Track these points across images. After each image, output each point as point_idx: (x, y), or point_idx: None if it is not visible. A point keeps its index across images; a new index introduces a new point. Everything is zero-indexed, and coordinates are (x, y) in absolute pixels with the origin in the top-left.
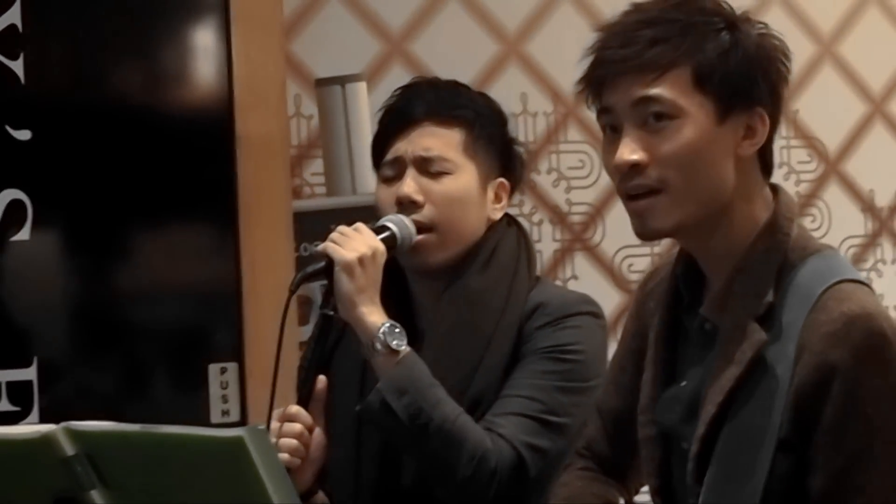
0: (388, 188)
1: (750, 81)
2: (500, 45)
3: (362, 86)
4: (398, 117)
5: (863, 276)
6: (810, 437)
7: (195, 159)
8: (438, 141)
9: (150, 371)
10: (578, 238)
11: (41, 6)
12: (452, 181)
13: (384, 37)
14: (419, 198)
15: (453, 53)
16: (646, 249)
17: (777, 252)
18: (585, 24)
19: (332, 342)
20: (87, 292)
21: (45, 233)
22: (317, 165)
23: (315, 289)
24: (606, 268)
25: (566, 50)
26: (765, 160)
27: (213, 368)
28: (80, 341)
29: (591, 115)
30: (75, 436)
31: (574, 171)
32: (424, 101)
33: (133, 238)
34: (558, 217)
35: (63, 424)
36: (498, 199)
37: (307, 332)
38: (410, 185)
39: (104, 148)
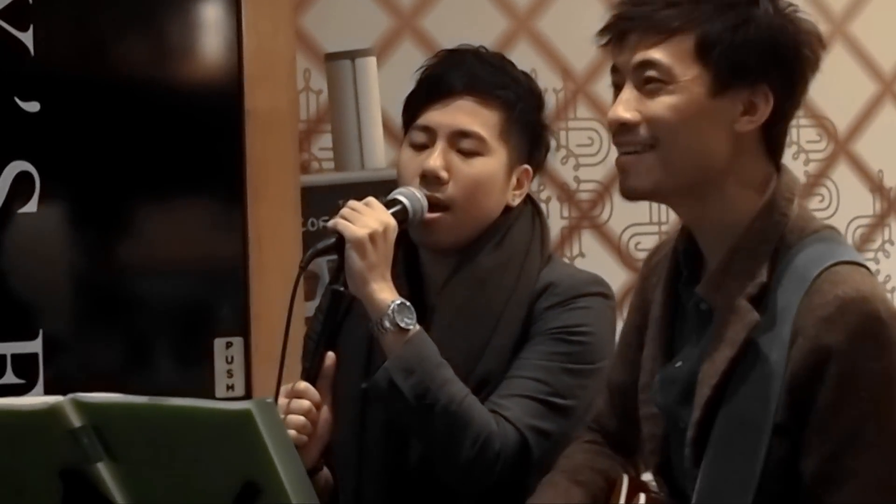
0: (415, 155)
1: (756, 59)
2: (511, 20)
3: (372, 60)
4: (437, 84)
5: (864, 257)
6: (805, 421)
7: (204, 133)
8: (475, 119)
9: (156, 345)
10: (586, 216)
11: None
12: (482, 164)
13: (395, 12)
14: (444, 175)
15: (463, 29)
16: (653, 228)
17: (774, 232)
18: (597, 1)
19: (340, 317)
20: (93, 266)
21: (52, 205)
22: (325, 140)
23: (322, 264)
24: (614, 246)
25: (576, 27)
26: (770, 141)
27: (219, 343)
28: (86, 315)
29: (600, 92)
30: (82, 407)
31: (583, 149)
32: (467, 72)
33: (140, 212)
34: (566, 194)
35: (70, 396)
36: (520, 185)
37: (314, 307)
38: (438, 160)
39: (113, 121)
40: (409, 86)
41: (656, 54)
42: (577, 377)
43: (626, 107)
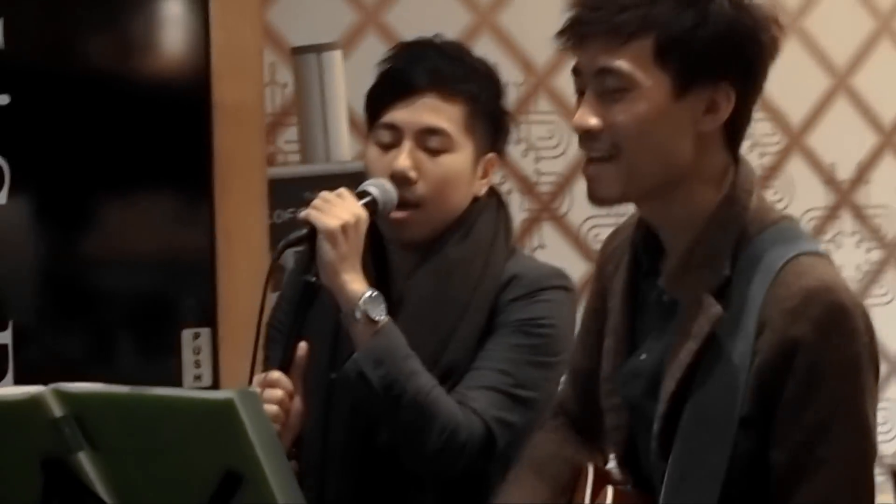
0: (382, 155)
1: (716, 58)
2: (473, 15)
3: (338, 54)
4: (400, 83)
5: (822, 246)
6: (772, 413)
7: (172, 126)
8: (441, 116)
9: (125, 335)
10: (546, 208)
11: None
12: (449, 161)
13: (359, 7)
14: (413, 175)
15: (427, 24)
16: (612, 220)
17: (734, 224)
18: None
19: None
20: (64, 257)
21: (22, 197)
22: (290, 133)
23: (286, 255)
24: (573, 237)
25: (537, 21)
26: (731, 134)
27: (187, 334)
28: (57, 305)
29: (561, 86)
30: (64, 397)
31: (543, 142)
32: (429, 68)
33: (109, 204)
34: (527, 187)
35: (52, 386)
36: (486, 174)
37: None
38: (407, 160)
39: (83, 114)
40: (373, 79)
41: (616, 62)
42: (541, 369)
43: (590, 113)
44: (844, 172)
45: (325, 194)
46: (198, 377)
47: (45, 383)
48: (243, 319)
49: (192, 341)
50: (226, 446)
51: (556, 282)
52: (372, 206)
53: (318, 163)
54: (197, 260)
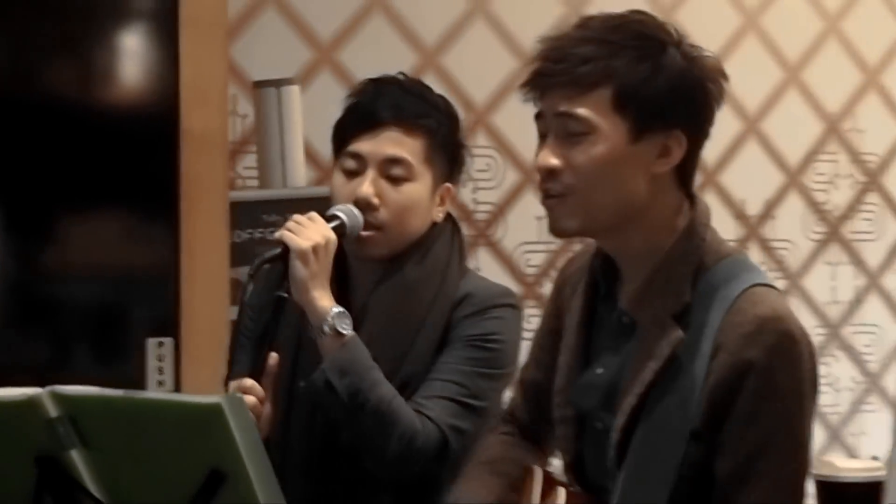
0: (346, 182)
1: (669, 106)
2: (419, 55)
3: (296, 89)
4: (366, 115)
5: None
6: (721, 427)
7: (143, 150)
8: (402, 147)
9: (93, 343)
10: (482, 234)
11: None
12: (410, 189)
13: (315, 45)
14: (376, 201)
15: (377, 63)
16: (542, 246)
17: (694, 255)
18: (496, 40)
19: (267, 318)
20: (36, 271)
21: None
22: (249, 160)
23: (244, 272)
24: (506, 261)
25: (477, 63)
26: (682, 175)
27: (151, 342)
28: (26, 316)
29: (498, 123)
30: (60, 399)
31: (481, 174)
32: (392, 104)
33: (81, 222)
34: (465, 214)
35: (49, 388)
36: (443, 202)
37: (237, 312)
38: (370, 188)
39: (60, 138)
40: (328, 112)
41: (577, 108)
42: (490, 381)
43: (552, 154)
44: (753, 208)
45: (297, 217)
46: (161, 382)
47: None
48: (203, 330)
49: (156, 349)
50: (212, 447)
51: (505, 300)
52: (340, 230)
53: (275, 188)
54: (162, 274)
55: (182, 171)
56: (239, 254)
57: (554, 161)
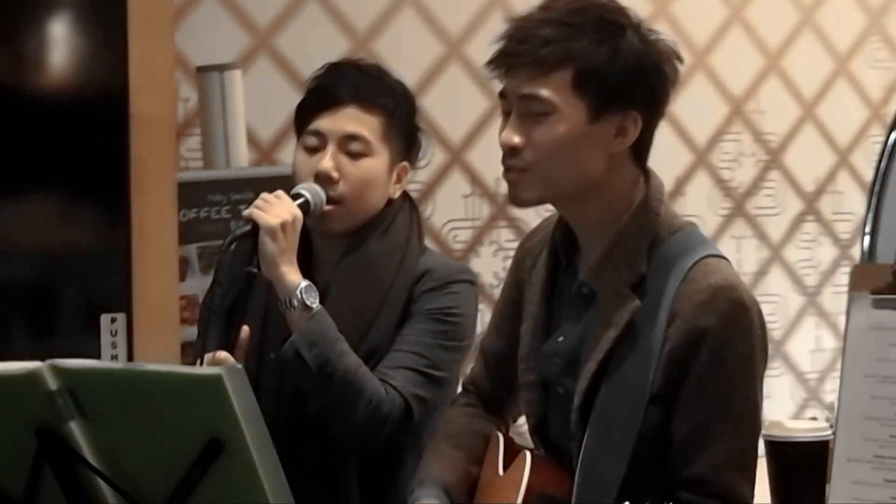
0: (308, 157)
1: (626, 88)
2: (350, 41)
3: (238, 73)
4: (325, 95)
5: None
6: (678, 390)
7: (94, 134)
8: (361, 124)
9: (50, 320)
10: None
11: None
12: (368, 164)
13: (253, 31)
14: (335, 175)
15: (312, 49)
16: (468, 223)
17: (648, 228)
18: (424, 27)
19: (235, 292)
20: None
21: None
22: (191, 142)
23: (191, 250)
24: (435, 237)
25: (406, 48)
26: (638, 153)
27: (105, 318)
28: None
29: (427, 105)
30: (60, 372)
31: None
32: (351, 83)
33: (37, 203)
34: None
35: (49, 361)
36: (399, 180)
37: (186, 287)
38: (330, 162)
39: (9, 124)
40: (266, 96)
41: (539, 89)
42: (450, 352)
43: (515, 132)
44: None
45: (265, 195)
46: (114, 356)
47: None
48: (154, 305)
49: (110, 325)
50: (211, 417)
51: (463, 276)
52: (305, 207)
53: (219, 169)
54: (115, 253)
55: (132, 153)
56: (185, 232)
57: (516, 139)
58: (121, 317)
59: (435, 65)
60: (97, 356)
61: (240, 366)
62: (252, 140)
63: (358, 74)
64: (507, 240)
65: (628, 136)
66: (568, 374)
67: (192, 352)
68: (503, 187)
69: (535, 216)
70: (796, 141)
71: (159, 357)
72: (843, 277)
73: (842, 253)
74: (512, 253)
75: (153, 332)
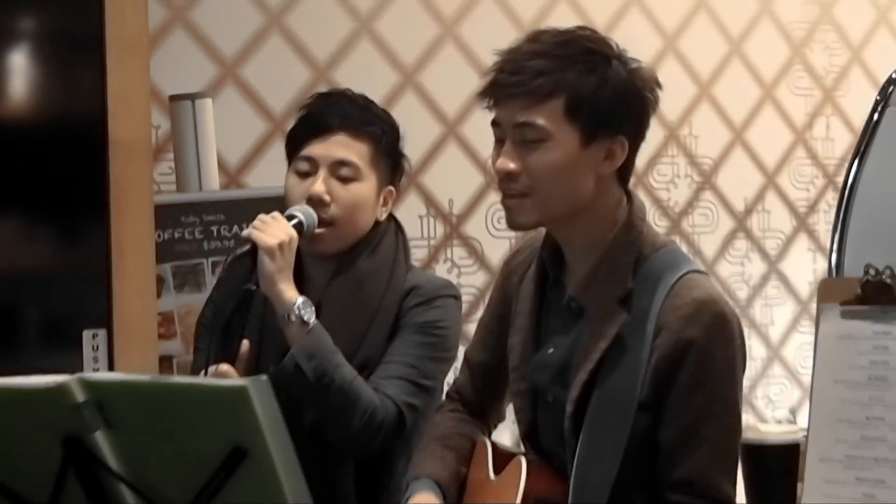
0: (300, 181)
1: (614, 114)
2: (313, 72)
3: (209, 101)
4: (316, 122)
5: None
6: (664, 398)
7: (75, 159)
8: (350, 151)
9: (34, 335)
10: None
11: None
12: (357, 188)
13: (220, 62)
14: (327, 198)
15: (276, 78)
16: (424, 242)
17: (633, 246)
18: (381, 57)
19: (233, 309)
20: None
21: None
22: (163, 167)
23: (167, 269)
24: None
25: (364, 79)
26: (623, 173)
27: (87, 334)
28: None
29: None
30: (87, 385)
31: None
32: (341, 112)
33: (22, 224)
34: None
35: (77, 375)
36: (385, 203)
37: (161, 304)
38: (322, 186)
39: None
40: (232, 122)
41: (535, 117)
42: (438, 363)
43: (510, 159)
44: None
45: (262, 216)
46: (96, 370)
47: None
48: (134, 321)
49: (92, 340)
50: (235, 426)
51: (448, 291)
52: (299, 228)
53: (192, 192)
54: (96, 271)
55: (111, 176)
56: (160, 252)
57: (512, 165)
58: (102, 332)
59: (391, 92)
60: (80, 369)
61: (264, 377)
62: (220, 164)
63: (347, 104)
64: (461, 257)
65: (616, 159)
66: (558, 384)
67: (193, 367)
68: (456, 208)
69: (487, 236)
70: (727, 163)
71: (138, 370)
72: (772, 291)
73: (770, 268)
74: (465, 270)
75: (132, 347)
